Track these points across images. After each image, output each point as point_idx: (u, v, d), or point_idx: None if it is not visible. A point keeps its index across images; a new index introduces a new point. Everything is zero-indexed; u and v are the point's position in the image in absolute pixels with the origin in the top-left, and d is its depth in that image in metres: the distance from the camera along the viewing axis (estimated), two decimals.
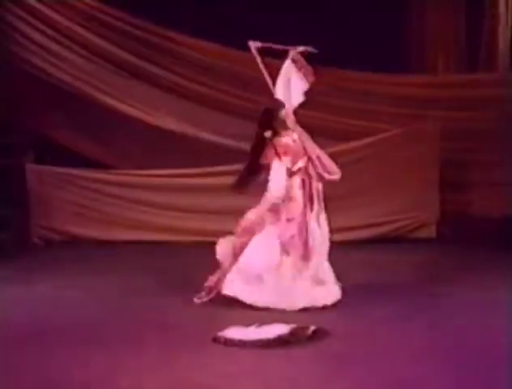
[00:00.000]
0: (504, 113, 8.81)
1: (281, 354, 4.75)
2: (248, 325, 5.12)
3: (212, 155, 8.81)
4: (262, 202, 5.95)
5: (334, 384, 4.29)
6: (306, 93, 6.06)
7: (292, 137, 5.96)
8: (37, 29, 8.80)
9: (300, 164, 5.92)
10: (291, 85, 6.02)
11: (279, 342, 4.88)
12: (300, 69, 6.10)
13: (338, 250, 7.97)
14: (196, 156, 8.83)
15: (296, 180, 5.89)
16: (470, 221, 8.68)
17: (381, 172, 8.47)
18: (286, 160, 5.91)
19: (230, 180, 8.49)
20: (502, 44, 9.55)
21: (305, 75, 6.11)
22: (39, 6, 8.76)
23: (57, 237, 8.64)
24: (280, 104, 5.99)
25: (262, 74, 6.07)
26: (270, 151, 5.94)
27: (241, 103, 8.91)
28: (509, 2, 9.62)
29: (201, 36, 8.95)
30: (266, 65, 6.07)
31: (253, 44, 6.09)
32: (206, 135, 8.85)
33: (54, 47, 8.84)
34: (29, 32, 8.79)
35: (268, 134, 5.93)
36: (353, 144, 8.54)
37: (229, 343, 4.90)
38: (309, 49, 6.09)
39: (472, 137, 8.96)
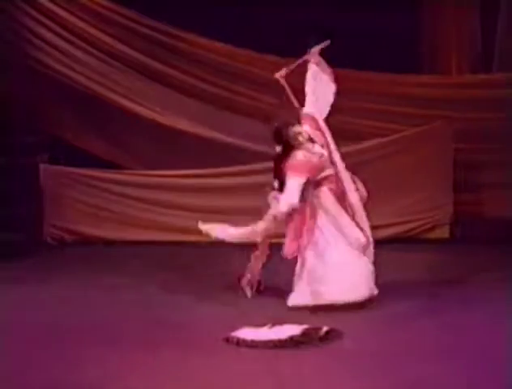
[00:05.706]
0: None
1: (293, 355, 4.74)
2: (261, 325, 5.12)
3: (225, 155, 8.81)
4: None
5: (347, 385, 4.28)
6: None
7: (310, 151, 5.79)
8: (50, 29, 8.81)
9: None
10: (318, 93, 5.98)
11: (292, 343, 4.87)
12: (324, 71, 6.04)
13: None
14: (209, 157, 8.84)
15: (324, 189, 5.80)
16: (483, 222, 8.64)
17: (394, 172, 8.45)
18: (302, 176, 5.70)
19: (244, 180, 8.61)
20: None
21: (330, 76, 6.05)
22: (51, 5, 8.77)
23: (69, 237, 8.65)
24: (294, 118, 5.91)
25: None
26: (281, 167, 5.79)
27: (255, 104, 8.91)
28: None
29: (214, 36, 8.95)
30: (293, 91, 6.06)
31: (279, 75, 6.11)
32: (220, 136, 8.85)
33: (68, 48, 8.85)
34: (42, 33, 8.81)
35: (278, 149, 5.85)
36: (366, 144, 8.52)
37: (242, 343, 4.90)
38: (326, 42, 6.03)
39: (486, 137, 8.90)
